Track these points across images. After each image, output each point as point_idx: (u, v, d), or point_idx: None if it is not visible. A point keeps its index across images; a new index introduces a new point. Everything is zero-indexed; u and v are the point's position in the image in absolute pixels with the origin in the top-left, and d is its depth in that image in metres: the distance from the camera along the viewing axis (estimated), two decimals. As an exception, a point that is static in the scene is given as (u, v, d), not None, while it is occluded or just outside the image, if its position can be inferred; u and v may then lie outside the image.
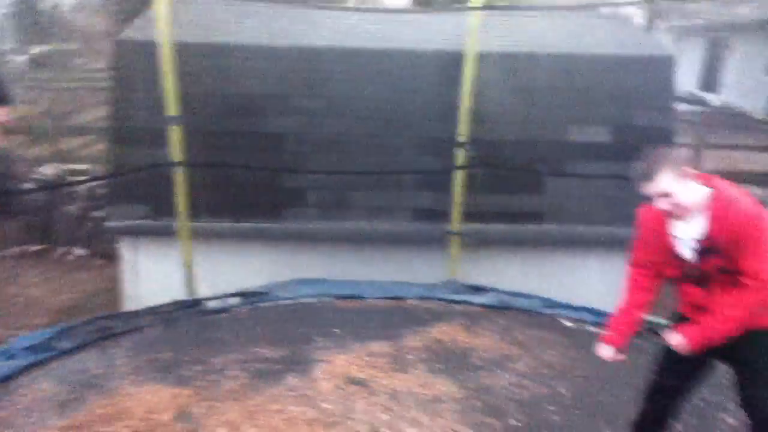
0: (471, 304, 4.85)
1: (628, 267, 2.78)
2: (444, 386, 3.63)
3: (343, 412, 3.32)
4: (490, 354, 4.04)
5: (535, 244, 6.06)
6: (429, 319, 4.53)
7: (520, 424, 3.31)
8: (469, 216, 5.55)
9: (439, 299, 4.91)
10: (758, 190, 10.45)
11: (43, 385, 3.56)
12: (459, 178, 5.40)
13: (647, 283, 2.71)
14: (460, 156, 5.38)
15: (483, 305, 4.83)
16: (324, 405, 3.38)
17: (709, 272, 2.50)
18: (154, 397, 3.42)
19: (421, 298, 4.92)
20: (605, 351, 2.77)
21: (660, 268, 2.67)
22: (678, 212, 2.50)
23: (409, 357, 3.95)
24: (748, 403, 2.61)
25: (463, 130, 5.34)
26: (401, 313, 4.69)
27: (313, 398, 3.44)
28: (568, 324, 4.54)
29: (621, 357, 2.76)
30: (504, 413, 3.39)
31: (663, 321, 4.58)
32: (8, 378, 3.62)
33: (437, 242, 5.74)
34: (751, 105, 17.83)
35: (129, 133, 5.92)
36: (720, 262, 2.46)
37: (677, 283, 2.67)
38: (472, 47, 5.19)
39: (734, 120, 16.70)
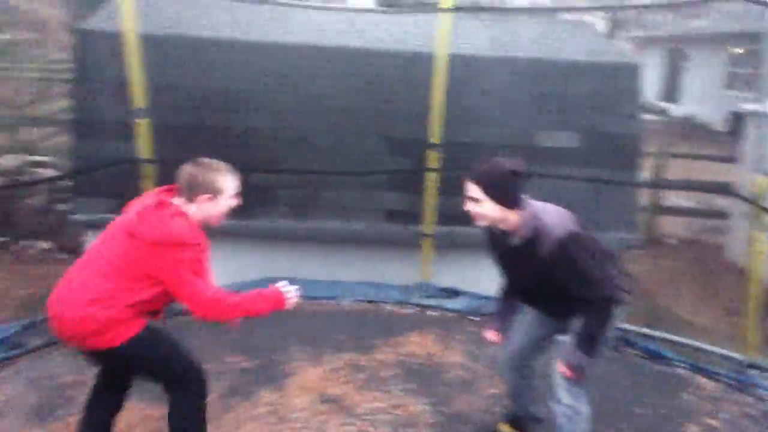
0: (445, 309, 4.85)
1: None
2: (417, 407, 3.60)
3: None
4: (461, 373, 4.03)
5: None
6: (403, 328, 4.52)
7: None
8: (441, 218, 5.55)
9: (413, 304, 4.89)
10: (720, 200, 10.80)
11: (12, 386, 3.42)
12: (431, 179, 5.40)
13: None
14: (432, 157, 5.38)
15: (456, 311, 4.84)
16: (297, 425, 3.35)
17: None
18: (128, 415, 3.27)
19: (395, 302, 4.90)
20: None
21: None
22: None
23: (383, 373, 3.93)
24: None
25: (434, 131, 5.34)
26: (375, 320, 4.67)
27: (285, 417, 3.41)
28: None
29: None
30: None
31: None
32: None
33: (409, 244, 5.74)
34: (709, 116, 18.35)
35: (93, 126, 5.78)
36: None
37: None
38: (442, 49, 5.20)
39: (694, 131, 17.18)
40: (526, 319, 3.09)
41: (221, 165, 2.68)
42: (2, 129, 11.65)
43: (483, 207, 2.71)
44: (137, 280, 2.48)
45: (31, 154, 10.03)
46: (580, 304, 2.70)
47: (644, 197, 8.59)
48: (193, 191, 2.59)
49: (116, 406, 2.86)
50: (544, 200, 2.82)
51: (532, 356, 3.12)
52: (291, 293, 2.75)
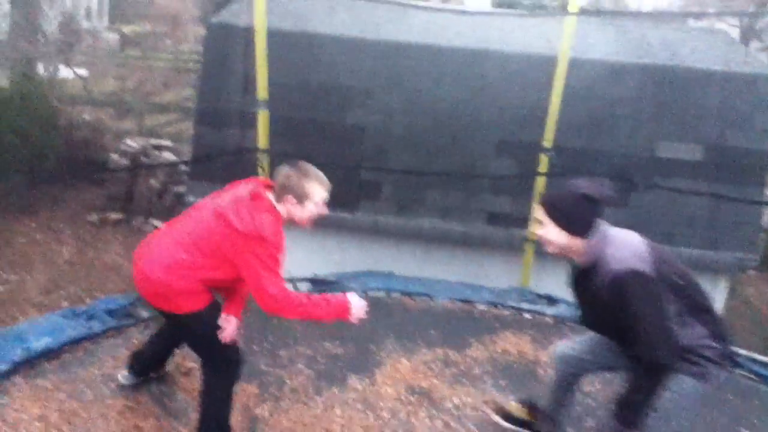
0: (542, 314, 4.74)
1: None
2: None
3: (401, 424, 3.30)
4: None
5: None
6: (498, 328, 4.44)
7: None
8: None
9: (510, 307, 4.81)
10: None
11: (123, 353, 3.63)
12: (540, 183, 5.29)
13: None
14: (544, 162, 5.26)
15: (554, 316, 4.72)
16: (384, 414, 3.36)
17: None
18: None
19: (491, 303, 4.84)
20: None
21: None
22: None
23: (475, 369, 3.87)
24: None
25: (548, 135, 5.22)
26: (470, 319, 4.61)
27: (374, 405, 3.43)
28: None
29: None
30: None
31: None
32: (86, 339, 3.69)
33: (510, 248, 5.65)
34: None
35: (215, 115, 6.08)
36: None
37: None
38: (564, 52, 5.07)
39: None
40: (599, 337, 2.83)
41: (315, 172, 2.71)
42: (131, 113, 12.51)
43: (546, 231, 2.46)
44: (214, 259, 2.61)
45: (154, 138, 10.73)
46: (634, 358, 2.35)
47: (765, 216, 8.05)
48: (282, 191, 2.66)
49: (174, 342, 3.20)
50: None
51: (583, 370, 2.92)
52: (358, 307, 2.74)
